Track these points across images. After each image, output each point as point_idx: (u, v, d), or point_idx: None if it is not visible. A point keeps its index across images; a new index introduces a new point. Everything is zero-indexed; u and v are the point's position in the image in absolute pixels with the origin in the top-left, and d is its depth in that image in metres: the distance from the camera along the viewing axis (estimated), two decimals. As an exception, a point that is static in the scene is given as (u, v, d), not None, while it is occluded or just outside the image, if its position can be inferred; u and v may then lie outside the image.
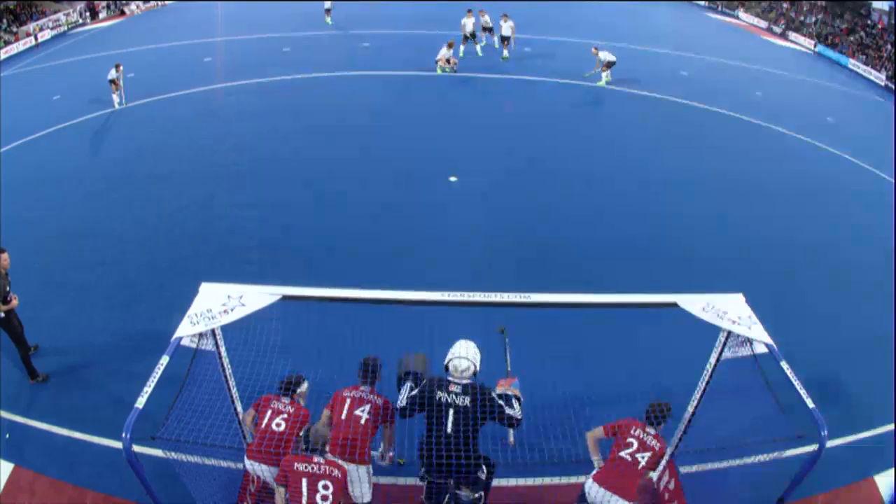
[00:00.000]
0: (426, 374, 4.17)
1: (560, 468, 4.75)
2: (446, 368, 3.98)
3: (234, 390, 4.20)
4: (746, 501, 4.20)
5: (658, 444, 4.11)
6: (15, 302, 5.61)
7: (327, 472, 3.64)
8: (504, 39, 16.80)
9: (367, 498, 4.11)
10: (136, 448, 3.14)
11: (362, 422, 4.03)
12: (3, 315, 5.53)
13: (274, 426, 4.04)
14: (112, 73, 13.23)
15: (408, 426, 4.43)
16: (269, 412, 4.12)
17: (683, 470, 4.64)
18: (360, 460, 3.96)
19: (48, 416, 5.43)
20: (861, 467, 5.36)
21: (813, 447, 3.44)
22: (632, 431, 4.16)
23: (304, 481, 3.61)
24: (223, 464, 4.34)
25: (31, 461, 5.00)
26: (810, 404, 3.46)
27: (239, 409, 4.30)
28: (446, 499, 4.09)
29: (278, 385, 4.28)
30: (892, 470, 5.19)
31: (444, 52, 15.58)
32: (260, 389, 4.77)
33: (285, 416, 4.10)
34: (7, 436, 5.22)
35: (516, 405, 3.92)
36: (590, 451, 4.31)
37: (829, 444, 3.48)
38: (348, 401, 4.10)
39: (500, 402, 3.87)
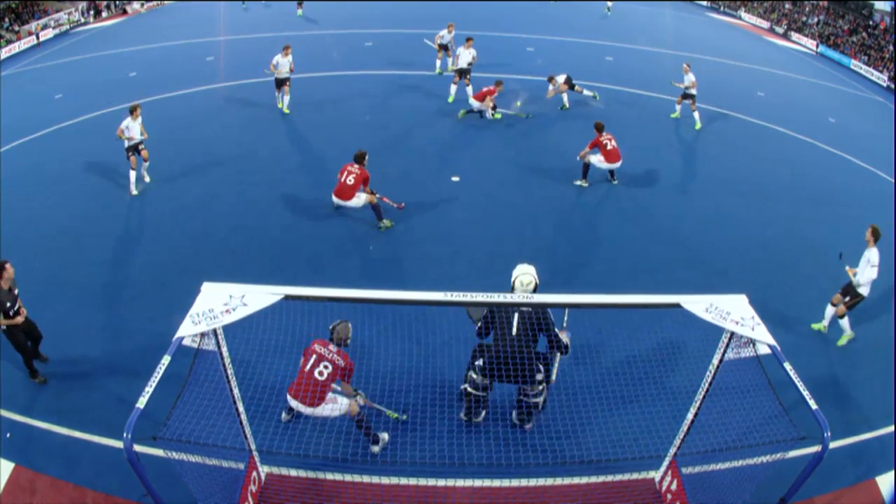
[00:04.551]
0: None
1: (563, 468, 4.75)
2: (512, 287, 4.87)
3: (235, 390, 4.19)
4: (749, 502, 4.18)
5: (613, 139, 9.69)
6: (20, 319, 5.52)
7: (333, 359, 4.73)
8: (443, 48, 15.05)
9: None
10: (138, 448, 3.14)
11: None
12: (4, 327, 5.49)
13: (317, 374, 4.66)
14: (135, 132, 9.06)
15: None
16: (314, 356, 4.73)
17: (686, 471, 4.63)
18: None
19: (49, 416, 5.42)
20: (862, 469, 5.36)
21: (815, 448, 3.43)
22: (602, 135, 9.63)
23: (314, 357, 4.72)
24: (224, 464, 4.34)
25: (31, 460, 5.00)
26: (813, 405, 3.44)
27: (240, 408, 4.29)
28: (483, 413, 5.10)
29: (329, 333, 4.91)
30: (893, 471, 5.18)
31: (464, 54, 13.22)
32: (262, 389, 4.78)
33: (329, 366, 4.70)
34: (8, 435, 5.22)
35: (565, 340, 4.84)
36: (584, 156, 9.85)
37: (831, 445, 3.46)
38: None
39: (555, 326, 4.75)
